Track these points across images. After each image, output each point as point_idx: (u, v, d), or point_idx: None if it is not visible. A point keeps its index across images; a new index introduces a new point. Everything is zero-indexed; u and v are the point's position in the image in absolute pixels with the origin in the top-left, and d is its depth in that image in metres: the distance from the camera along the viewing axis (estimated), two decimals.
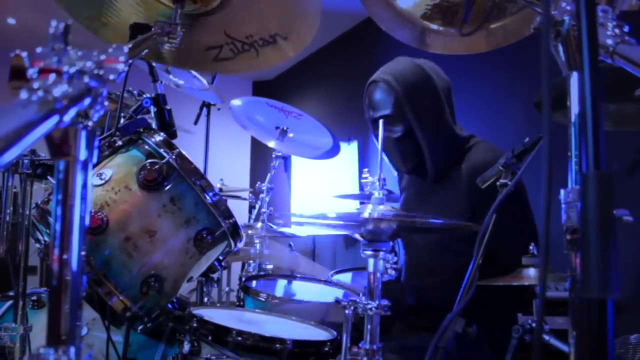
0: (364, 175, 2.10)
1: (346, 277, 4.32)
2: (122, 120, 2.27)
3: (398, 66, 2.77)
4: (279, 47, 2.22)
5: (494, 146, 2.73)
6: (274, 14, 2.16)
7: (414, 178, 2.96)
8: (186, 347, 2.39)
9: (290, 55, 2.24)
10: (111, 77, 0.95)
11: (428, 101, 2.70)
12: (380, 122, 2.35)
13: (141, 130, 2.21)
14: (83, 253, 0.95)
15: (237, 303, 3.76)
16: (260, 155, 10.23)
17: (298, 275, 3.85)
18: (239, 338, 2.33)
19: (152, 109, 2.38)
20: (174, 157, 2.09)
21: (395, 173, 3.01)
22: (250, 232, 4.14)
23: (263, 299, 3.30)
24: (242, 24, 2.19)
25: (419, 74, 2.72)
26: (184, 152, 2.13)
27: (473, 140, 2.79)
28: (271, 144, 4.23)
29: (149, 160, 2.08)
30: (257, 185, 4.42)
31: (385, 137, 2.76)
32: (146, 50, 2.03)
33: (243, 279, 3.83)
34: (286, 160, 4.45)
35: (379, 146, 2.23)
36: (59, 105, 0.84)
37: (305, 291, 3.68)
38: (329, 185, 7.54)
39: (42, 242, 2.18)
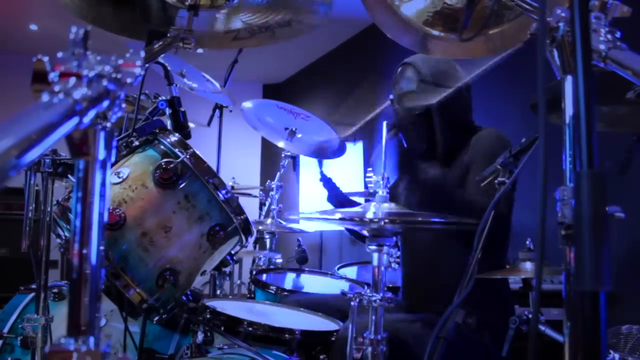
0: (368, 175, 2.09)
1: (352, 271, 4.33)
2: (139, 122, 2.27)
3: (424, 55, 2.82)
4: (293, 29, 2.22)
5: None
6: (287, 3, 2.15)
7: (423, 163, 2.95)
8: (200, 337, 2.40)
9: (305, 34, 2.24)
10: (128, 80, 0.95)
11: (450, 85, 2.73)
12: (384, 123, 2.35)
13: (157, 131, 2.21)
14: (102, 248, 0.95)
15: (248, 295, 3.76)
16: (270, 155, 10.21)
17: (306, 269, 3.85)
18: (250, 328, 2.33)
19: (168, 111, 2.38)
20: (188, 156, 2.09)
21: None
22: (260, 227, 4.15)
23: (273, 292, 3.31)
24: (258, 14, 2.19)
25: (445, 62, 2.80)
26: (197, 152, 2.13)
27: (479, 130, 2.79)
28: (280, 144, 4.22)
29: (165, 160, 2.08)
30: (267, 183, 4.42)
31: (407, 113, 2.79)
32: (162, 55, 2.03)
33: (254, 273, 3.84)
34: (295, 159, 4.43)
35: (383, 146, 2.23)
36: (79, 107, 0.84)
37: (313, 284, 3.68)
38: (335, 183, 7.51)
39: (63, 237, 2.19)
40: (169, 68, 2.53)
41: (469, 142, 2.73)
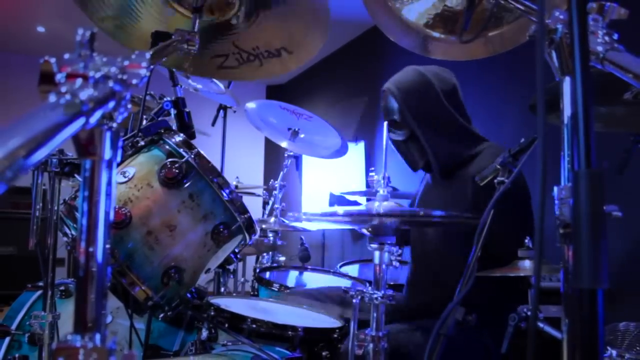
0: (370, 174, 2.09)
1: (353, 269, 4.33)
2: (144, 122, 2.27)
3: (401, 75, 2.85)
4: (283, 60, 2.21)
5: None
6: (284, 29, 2.15)
7: (428, 175, 2.99)
8: (204, 333, 2.40)
9: (292, 68, 2.23)
10: (134, 81, 0.95)
11: (427, 105, 2.73)
12: (385, 123, 2.36)
13: (162, 131, 2.21)
14: (108, 246, 0.95)
15: (252, 293, 3.76)
16: (273, 155, 10.22)
17: (309, 267, 3.85)
18: (254, 325, 2.33)
19: (172, 112, 2.38)
20: (192, 156, 2.09)
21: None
22: (264, 226, 4.15)
23: (276, 289, 3.31)
24: (251, 37, 2.18)
25: (419, 81, 2.77)
26: (202, 152, 2.13)
27: (485, 145, 2.77)
28: (283, 144, 4.22)
29: (170, 160, 2.09)
30: (270, 182, 4.41)
31: (395, 139, 2.81)
32: (166, 57, 2.03)
33: (257, 270, 3.83)
34: (297, 159, 4.43)
35: (384, 146, 2.23)
36: (85, 108, 0.84)
37: (315, 281, 3.68)
38: (337, 183, 7.52)
39: (70, 236, 2.19)
40: (173, 69, 2.54)
41: (468, 157, 2.73)
